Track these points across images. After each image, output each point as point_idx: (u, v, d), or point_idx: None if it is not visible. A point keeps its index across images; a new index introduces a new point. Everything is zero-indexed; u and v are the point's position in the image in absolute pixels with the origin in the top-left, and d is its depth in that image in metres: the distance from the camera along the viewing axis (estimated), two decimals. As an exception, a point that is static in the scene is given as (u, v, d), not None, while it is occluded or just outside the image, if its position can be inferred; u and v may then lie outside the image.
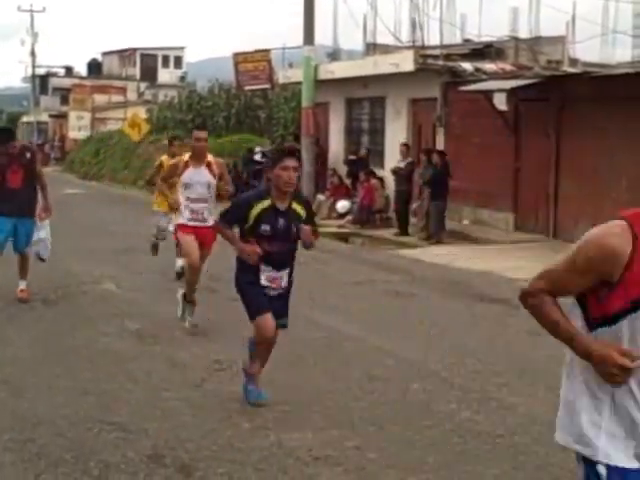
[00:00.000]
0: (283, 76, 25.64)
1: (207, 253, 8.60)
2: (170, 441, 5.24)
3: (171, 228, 10.18)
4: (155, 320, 8.80)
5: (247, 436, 5.36)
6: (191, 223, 8.33)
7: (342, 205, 20.14)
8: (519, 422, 5.70)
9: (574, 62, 19.48)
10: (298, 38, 22.23)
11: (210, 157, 8.66)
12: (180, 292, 8.44)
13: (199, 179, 8.34)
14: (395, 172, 17.86)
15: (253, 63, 26.46)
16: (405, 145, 18.38)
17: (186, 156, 8.68)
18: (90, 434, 5.37)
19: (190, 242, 8.26)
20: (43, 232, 9.69)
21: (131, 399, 6.07)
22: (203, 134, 8.59)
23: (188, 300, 8.38)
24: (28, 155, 9.51)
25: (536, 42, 20.39)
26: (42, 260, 9.92)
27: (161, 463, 4.91)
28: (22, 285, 9.54)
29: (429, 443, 5.23)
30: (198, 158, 8.48)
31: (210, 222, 8.06)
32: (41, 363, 7.03)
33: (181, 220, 8.45)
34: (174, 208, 8.86)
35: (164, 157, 11.74)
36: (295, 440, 5.29)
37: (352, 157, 21.38)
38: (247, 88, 28.59)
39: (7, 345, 7.66)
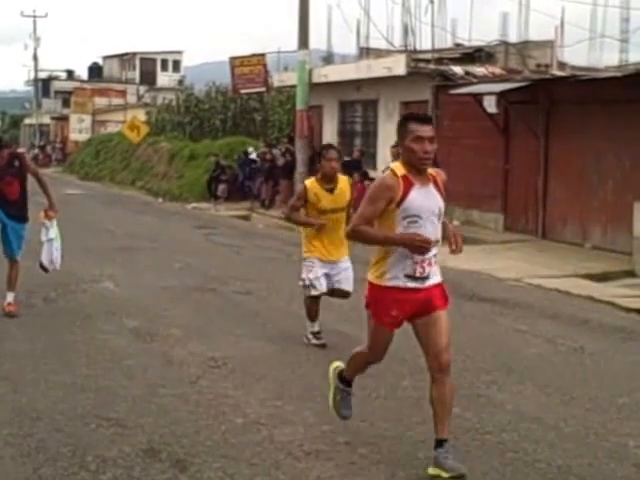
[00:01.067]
0: (278, 79, 25.65)
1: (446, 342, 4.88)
2: (166, 436, 5.21)
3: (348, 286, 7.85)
4: (152, 318, 8.78)
5: (240, 431, 5.34)
6: (410, 284, 4.79)
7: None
8: (507, 419, 5.68)
9: (562, 66, 19.52)
10: (293, 42, 22.25)
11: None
12: (335, 366, 5.56)
13: (429, 204, 4.78)
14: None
15: (249, 67, 26.44)
16: (396, 146, 18.34)
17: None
18: (88, 429, 5.35)
19: (386, 337, 5.03)
20: (52, 232, 9.04)
21: (128, 395, 6.04)
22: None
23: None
24: (17, 163, 8.82)
25: (525, 46, 20.43)
26: (45, 270, 9.17)
27: (157, 458, 4.88)
28: (10, 298, 8.77)
29: (419, 439, 5.20)
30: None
31: (439, 277, 4.96)
32: (40, 359, 7.00)
33: (387, 281, 4.81)
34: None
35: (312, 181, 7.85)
36: (287, 435, 5.27)
37: (347, 158, 21.35)
38: (243, 91, 28.57)
39: (7, 341, 7.63)
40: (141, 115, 39.87)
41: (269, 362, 7.11)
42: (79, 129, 52.06)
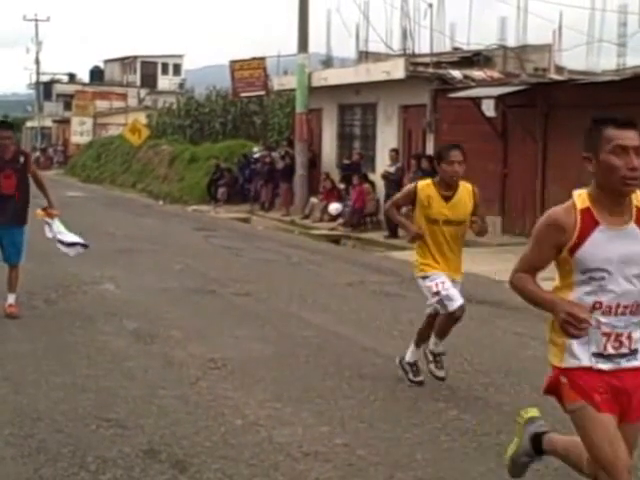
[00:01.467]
0: (278, 83, 25.64)
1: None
2: (165, 437, 5.21)
3: None
4: (152, 320, 8.77)
5: (240, 432, 5.34)
6: (604, 366, 3.43)
7: (334, 207, 20.13)
8: (505, 421, 5.67)
9: (560, 70, 19.50)
10: (293, 46, 22.27)
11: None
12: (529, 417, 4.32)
13: (626, 254, 3.38)
14: (385, 177, 17.85)
15: (249, 70, 26.46)
16: (394, 150, 18.39)
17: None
18: (88, 430, 5.35)
19: (609, 428, 3.37)
20: (57, 226, 8.83)
21: (128, 396, 6.04)
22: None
23: None
24: (22, 159, 8.57)
25: (523, 50, 20.43)
26: (84, 246, 9.19)
27: (157, 459, 4.88)
28: (11, 299, 8.62)
29: (417, 441, 5.21)
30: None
31: None
32: (41, 360, 7.00)
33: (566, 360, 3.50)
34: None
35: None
36: (286, 436, 5.27)
37: (346, 161, 21.40)
38: (243, 95, 28.59)
39: (8, 342, 7.63)
40: (142, 118, 39.87)
41: (268, 364, 7.11)
42: (80, 132, 52.10)
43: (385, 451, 5.06)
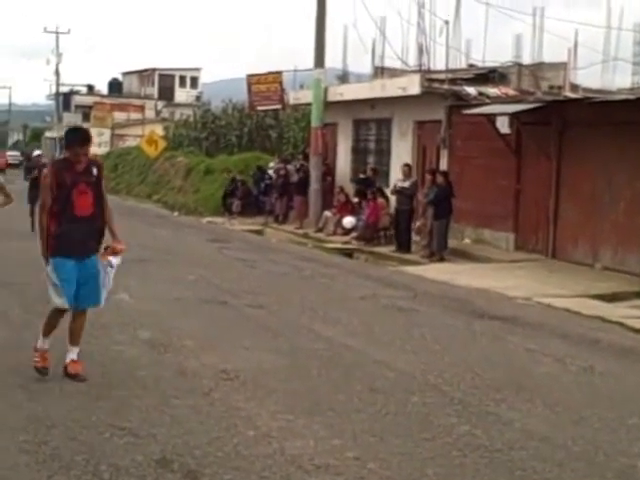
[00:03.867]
0: (294, 97, 25.73)
1: None
2: (178, 447, 5.21)
3: None
4: (166, 329, 8.78)
5: (252, 444, 5.32)
6: None
7: (348, 221, 20.11)
8: (516, 437, 5.64)
9: (575, 88, 19.46)
10: (309, 61, 22.34)
11: None
12: None
13: None
14: (398, 191, 17.83)
15: (265, 84, 26.56)
16: (407, 165, 18.39)
17: None
18: (101, 438, 5.35)
19: None
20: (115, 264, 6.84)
21: (141, 405, 6.04)
22: None
23: None
24: (95, 170, 6.71)
25: (538, 68, 20.40)
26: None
27: (169, 468, 4.88)
28: (73, 354, 6.73)
29: (428, 456, 5.18)
30: None
31: None
32: (55, 368, 6.98)
33: None
34: None
35: None
36: (297, 448, 5.25)
37: (362, 176, 21.42)
38: (259, 108, 28.71)
39: (23, 350, 7.62)
40: (159, 130, 40.07)
41: (280, 375, 7.10)
42: (98, 143, 52.30)
43: (396, 465, 5.03)
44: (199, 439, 5.36)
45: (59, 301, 6.62)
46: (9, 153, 71.44)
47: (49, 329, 6.83)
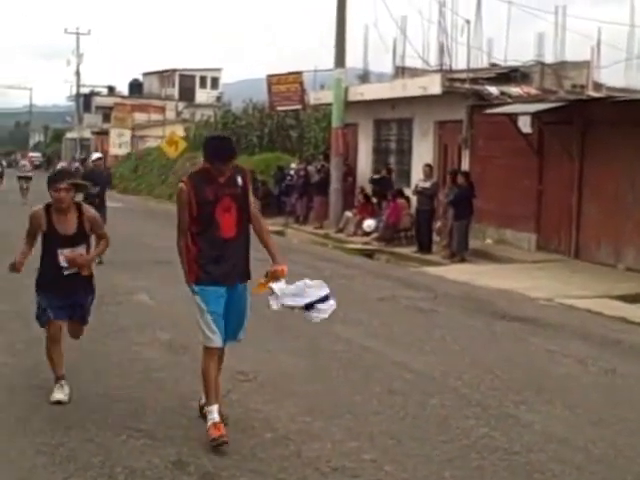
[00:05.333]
0: (314, 97, 25.72)
1: None
2: (194, 449, 5.23)
3: None
4: (184, 331, 8.77)
5: (269, 446, 5.33)
6: None
7: (368, 224, 20.09)
8: (535, 439, 5.62)
9: (599, 86, 19.34)
10: (330, 61, 22.33)
11: None
12: None
13: None
14: (419, 192, 17.78)
15: (286, 85, 26.56)
16: (428, 166, 18.34)
17: None
18: (118, 440, 5.38)
19: None
20: (279, 289, 5.71)
21: (158, 407, 6.07)
22: None
23: None
24: (239, 180, 5.50)
25: (561, 67, 20.29)
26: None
27: (185, 470, 4.90)
28: (214, 414, 5.41)
29: (446, 458, 5.17)
30: None
31: None
32: (74, 369, 7.03)
33: None
34: None
35: None
36: (314, 451, 5.26)
37: (376, 176, 21.39)
38: (280, 109, 28.70)
39: (44, 351, 7.67)
40: (179, 131, 40.24)
41: (299, 377, 7.11)
42: (119, 143, 52.70)
43: (413, 468, 5.02)
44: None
45: (212, 337, 5.57)
46: (31, 154, 72.06)
47: (210, 386, 5.55)
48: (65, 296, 6.31)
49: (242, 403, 6.26)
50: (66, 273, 6.25)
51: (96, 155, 18.20)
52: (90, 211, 6.45)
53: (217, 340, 5.58)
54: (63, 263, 6.23)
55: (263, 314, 9.95)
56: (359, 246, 19.01)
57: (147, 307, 10.27)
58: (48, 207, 6.30)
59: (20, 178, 30.69)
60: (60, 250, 6.22)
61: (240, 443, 5.36)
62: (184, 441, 5.36)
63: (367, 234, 19.97)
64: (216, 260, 5.52)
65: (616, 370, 7.72)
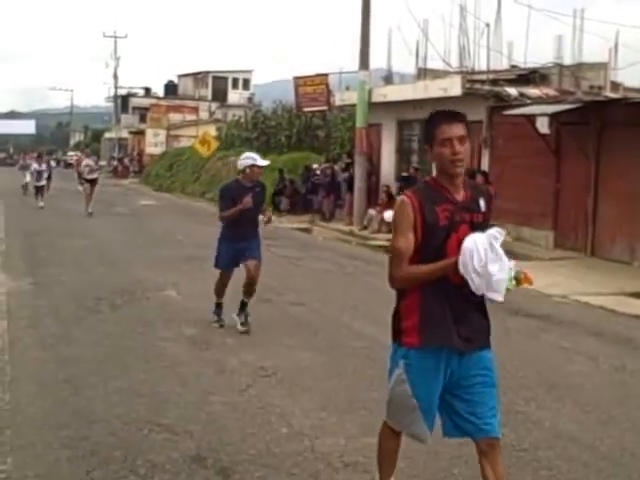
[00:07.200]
0: (340, 99, 25.64)
1: None
2: (213, 444, 5.21)
3: None
4: (209, 326, 8.81)
5: (284, 441, 5.31)
6: None
7: (389, 215, 19.97)
8: (544, 436, 5.54)
9: (616, 87, 19.08)
10: (355, 63, 22.24)
11: None
12: None
13: None
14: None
15: (312, 86, 26.50)
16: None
17: None
18: (140, 434, 5.37)
19: None
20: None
21: (180, 402, 6.07)
22: None
23: None
24: (482, 202, 3.95)
25: (579, 68, 20.03)
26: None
27: (202, 465, 4.88)
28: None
29: (455, 454, 5.10)
30: None
31: None
32: (101, 364, 7.08)
33: None
34: None
35: None
36: (328, 446, 5.22)
37: (405, 174, 21.28)
38: (306, 110, 28.66)
39: (73, 346, 7.74)
40: (212, 130, 40.32)
41: (316, 373, 7.07)
42: (154, 143, 52.98)
43: (423, 464, 4.97)
44: (233, 436, 5.36)
45: (418, 431, 4.12)
46: (70, 154, 72.62)
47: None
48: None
49: (260, 398, 6.23)
50: None
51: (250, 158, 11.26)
52: None
53: (425, 433, 4.21)
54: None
55: (286, 312, 9.98)
56: (382, 243, 18.90)
57: (174, 302, 10.29)
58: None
59: (85, 181, 24.24)
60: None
61: (256, 437, 5.35)
62: (203, 435, 5.35)
63: (388, 224, 19.87)
64: (442, 311, 3.90)
65: (627, 367, 7.60)
